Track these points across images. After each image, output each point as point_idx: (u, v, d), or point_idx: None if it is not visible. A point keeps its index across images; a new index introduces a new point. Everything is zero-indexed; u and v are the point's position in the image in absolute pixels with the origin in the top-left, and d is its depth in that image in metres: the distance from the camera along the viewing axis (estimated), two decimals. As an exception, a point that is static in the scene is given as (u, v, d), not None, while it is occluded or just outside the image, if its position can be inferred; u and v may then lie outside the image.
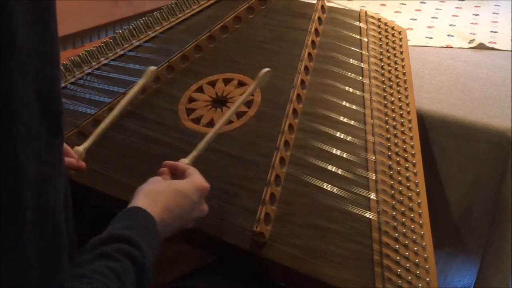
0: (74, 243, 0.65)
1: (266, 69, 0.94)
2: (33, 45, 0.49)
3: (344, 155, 0.95)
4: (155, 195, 0.72)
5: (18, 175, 0.47)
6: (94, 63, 1.19)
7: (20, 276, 0.47)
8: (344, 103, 1.04)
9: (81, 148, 0.87)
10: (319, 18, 1.21)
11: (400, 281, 0.78)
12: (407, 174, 0.93)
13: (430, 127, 1.12)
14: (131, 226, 0.65)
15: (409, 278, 0.78)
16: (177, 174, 0.80)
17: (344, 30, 1.21)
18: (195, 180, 0.77)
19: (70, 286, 0.53)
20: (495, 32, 1.58)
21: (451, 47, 1.47)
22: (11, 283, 0.47)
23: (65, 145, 0.84)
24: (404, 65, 1.15)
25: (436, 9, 1.80)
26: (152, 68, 0.98)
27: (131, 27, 1.24)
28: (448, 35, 1.55)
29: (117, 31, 1.24)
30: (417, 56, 1.38)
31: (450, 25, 1.64)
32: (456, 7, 1.82)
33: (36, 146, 0.49)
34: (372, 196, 0.89)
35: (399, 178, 0.92)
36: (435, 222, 0.89)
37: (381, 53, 1.16)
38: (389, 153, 0.96)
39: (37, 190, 0.49)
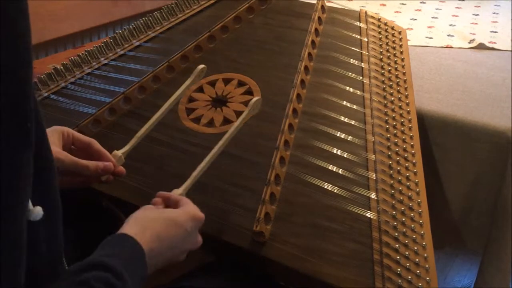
0: (62, 254, 0.63)
1: (256, 98, 0.92)
2: None
3: (345, 155, 0.95)
4: (145, 223, 0.69)
5: None
6: (94, 63, 1.19)
7: None
8: (344, 102, 1.04)
9: (119, 152, 0.85)
10: (319, 18, 1.21)
11: (400, 280, 0.78)
12: (407, 174, 0.93)
13: (430, 127, 1.12)
14: (115, 254, 0.62)
15: (409, 277, 0.78)
16: (170, 204, 0.76)
17: (344, 30, 1.21)
18: (189, 209, 0.74)
19: None
20: (495, 32, 1.58)
21: (451, 47, 1.47)
22: None
23: (102, 149, 0.84)
24: (404, 65, 1.15)
25: (436, 9, 1.80)
26: (201, 66, 0.95)
27: (131, 27, 1.24)
28: (448, 35, 1.55)
29: (117, 31, 1.24)
30: (417, 56, 1.38)
31: (450, 25, 1.64)
32: (456, 7, 1.82)
33: None
34: (372, 195, 0.89)
35: (399, 178, 0.92)
36: (435, 222, 0.89)
37: (381, 53, 1.16)
38: (389, 153, 0.96)
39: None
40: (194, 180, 0.82)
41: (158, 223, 0.70)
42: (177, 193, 0.79)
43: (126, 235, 0.65)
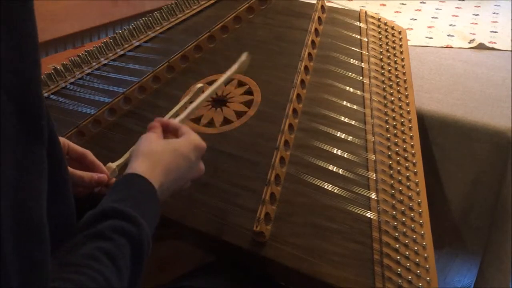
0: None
1: (200, 85, 0.93)
2: (1, 42, 0.45)
3: (345, 155, 0.95)
4: (153, 157, 0.69)
5: None
6: (94, 63, 1.19)
7: None
8: (344, 103, 1.04)
9: (113, 165, 0.85)
10: (319, 18, 1.21)
11: (400, 281, 0.78)
12: (407, 174, 0.93)
13: (430, 127, 1.12)
14: (127, 197, 0.61)
15: (409, 277, 0.78)
16: (169, 131, 0.76)
17: (344, 30, 1.21)
18: (193, 138, 0.74)
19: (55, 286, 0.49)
20: (495, 32, 1.58)
21: (451, 47, 1.47)
22: None
23: (96, 160, 0.82)
24: (404, 65, 1.15)
25: (436, 9, 1.80)
26: (199, 85, 0.95)
27: (131, 27, 1.24)
28: (448, 35, 1.55)
29: (117, 31, 1.24)
30: (417, 56, 1.38)
31: (450, 25, 1.64)
32: (456, 7, 1.82)
33: (12, 151, 0.45)
34: (373, 195, 0.89)
35: (399, 178, 0.92)
36: (435, 222, 0.89)
37: (381, 53, 1.16)
38: (389, 153, 0.96)
39: (16, 198, 0.45)
40: (189, 114, 0.82)
41: (165, 156, 0.70)
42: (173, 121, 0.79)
43: (135, 174, 0.65)
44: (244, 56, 0.91)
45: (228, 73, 0.91)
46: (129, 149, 0.92)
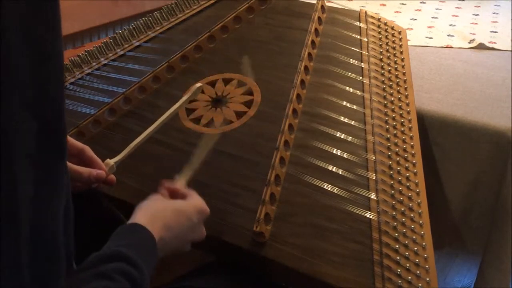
0: (73, 255, 0.64)
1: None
2: (28, 64, 0.46)
3: (344, 155, 0.95)
4: (155, 212, 0.71)
5: (14, 195, 0.45)
6: (94, 63, 1.19)
7: None
8: (344, 103, 1.04)
9: (112, 161, 0.85)
10: (319, 18, 1.21)
11: (400, 281, 0.78)
12: (407, 174, 0.93)
13: (430, 127, 1.12)
14: (131, 244, 0.64)
15: (409, 277, 0.78)
16: (178, 197, 0.79)
17: (344, 30, 1.21)
18: (196, 202, 0.77)
19: None
20: (495, 32, 1.58)
21: (451, 47, 1.47)
22: None
23: (95, 156, 0.83)
24: (404, 65, 1.15)
25: (436, 9, 1.80)
26: (198, 85, 0.96)
27: (131, 27, 1.24)
28: (448, 35, 1.55)
29: (117, 31, 1.24)
30: (417, 56, 1.38)
31: (450, 25, 1.64)
32: (456, 7, 1.82)
33: (33, 166, 0.47)
34: (372, 196, 0.89)
35: (399, 178, 0.92)
36: (435, 222, 0.89)
37: (381, 53, 1.16)
38: (389, 153, 0.96)
39: (35, 212, 0.47)
40: (194, 170, 0.84)
41: (167, 214, 0.72)
42: (180, 184, 0.81)
43: (138, 225, 0.68)
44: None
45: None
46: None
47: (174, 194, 0.79)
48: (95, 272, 0.58)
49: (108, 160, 0.85)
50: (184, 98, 0.94)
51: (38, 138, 0.47)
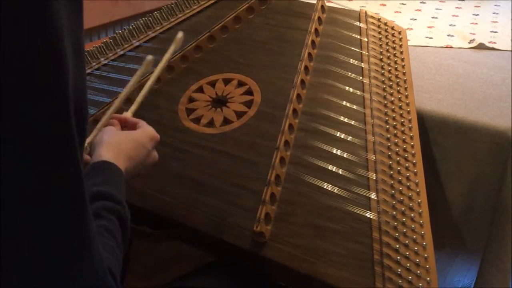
0: None
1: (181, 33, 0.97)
2: (72, 60, 0.49)
3: (345, 155, 0.95)
4: (117, 147, 0.76)
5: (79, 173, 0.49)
6: (94, 63, 1.19)
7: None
8: (344, 103, 1.04)
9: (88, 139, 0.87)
10: (319, 18, 1.21)
11: (400, 281, 0.78)
12: (407, 174, 0.93)
13: (430, 127, 1.12)
14: (108, 181, 0.69)
15: (410, 277, 0.78)
16: (128, 126, 0.85)
17: (344, 30, 1.21)
18: (148, 130, 0.83)
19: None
20: (495, 32, 1.58)
21: (451, 47, 1.47)
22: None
23: None
24: (404, 65, 1.15)
25: (436, 9, 1.80)
26: (150, 57, 0.96)
27: (131, 27, 1.24)
28: (448, 35, 1.55)
29: (117, 31, 1.24)
30: (417, 56, 1.38)
31: (450, 25, 1.64)
32: (456, 7, 1.82)
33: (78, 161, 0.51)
34: (373, 195, 0.89)
35: (399, 178, 0.92)
36: (435, 222, 0.89)
37: (381, 53, 1.16)
38: (389, 153, 0.96)
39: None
40: (139, 104, 0.91)
41: (128, 145, 0.78)
42: (128, 115, 0.88)
43: (109, 162, 0.73)
44: (179, 35, 0.96)
45: (167, 55, 0.97)
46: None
47: (125, 124, 0.86)
48: None
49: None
50: (138, 73, 0.95)
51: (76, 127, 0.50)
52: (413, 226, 0.86)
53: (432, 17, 1.71)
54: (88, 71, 1.17)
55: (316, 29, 1.18)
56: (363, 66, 1.12)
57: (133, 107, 0.91)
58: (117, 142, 0.78)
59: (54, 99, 0.46)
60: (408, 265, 0.80)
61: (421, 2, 1.86)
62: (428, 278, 0.79)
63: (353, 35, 1.20)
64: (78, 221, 0.49)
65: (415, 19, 1.69)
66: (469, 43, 1.48)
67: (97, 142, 0.78)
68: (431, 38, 1.53)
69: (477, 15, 1.74)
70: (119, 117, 0.87)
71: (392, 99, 1.07)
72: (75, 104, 0.49)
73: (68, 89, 0.47)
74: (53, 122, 0.46)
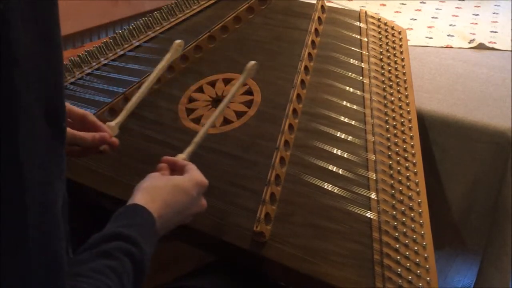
0: (68, 241, 0.66)
1: (253, 62, 0.95)
2: (36, 52, 0.48)
3: (345, 155, 0.95)
4: (153, 191, 0.73)
5: (20, 177, 0.47)
6: (94, 63, 1.19)
7: (20, 279, 0.47)
8: (344, 103, 1.04)
9: (113, 123, 0.86)
10: (319, 18, 1.21)
11: (400, 281, 0.78)
12: (407, 174, 0.93)
13: (430, 127, 1.12)
14: (131, 224, 0.66)
15: (410, 277, 0.78)
16: (176, 170, 0.80)
17: (344, 30, 1.21)
18: (194, 175, 0.77)
19: (70, 287, 0.53)
20: (495, 32, 1.58)
21: (451, 47, 1.47)
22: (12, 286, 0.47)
23: (97, 120, 0.85)
24: (404, 65, 1.15)
25: (436, 9, 1.80)
26: (178, 41, 0.96)
27: (131, 27, 1.24)
28: (448, 35, 1.55)
29: (117, 31, 1.24)
30: (417, 56, 1.38)
31: (450, 25, 1.64)
32: (456, 7, 1.82)
33: (39, 151, 0.49)
34: (373, 195, 0.89)
35: (399, 178, 0.92)
36: (435, 222, 0.89)
37: (381, 53, 1.16)
38: (389, 153, 0.96)
39: (39, 192, 0.49)
40: (197, 145, 0.85)
41: (165, 191, 0.73)
42: (181, 158, 0.82)
43: (138, 205, 0.69)
44: (250, 64, 0.94)
45: (237, 84, 0.93)
46: (128, 149, 0.92)
47: (173, 167, 0.80)
48: (96, 251, 0.60)
49: (109, 123, 0.86)
50: (167, 56, 0.94)
51: (44, 125, 0.49)
52: (413, 226, 0.86)
53: (432, 17, 1.71)
54: (88, 71, 1.17)
55: (316, 29, 1.18)
56: (363, 66, 1.12)
57: (190, 148, 0.85)
58: (154, 187, 0.74)
59: None
60: (408, 265, 0.80)
61: (421, 2, 1.86)
62: (428, 278, 0.79)
63: (353, 35, 1.20)
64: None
65: (415, 19, 1.69)
66: (469, 43, 1.48)
67: (137, 186, 0.75)
68: (431, 38, 1.53)
69: (477, 15, 1.74)
70: (168, 160, 0.81)
71: (392, 99, 1.07)
72: (46, 95, 0.48)
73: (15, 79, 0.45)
74: None
